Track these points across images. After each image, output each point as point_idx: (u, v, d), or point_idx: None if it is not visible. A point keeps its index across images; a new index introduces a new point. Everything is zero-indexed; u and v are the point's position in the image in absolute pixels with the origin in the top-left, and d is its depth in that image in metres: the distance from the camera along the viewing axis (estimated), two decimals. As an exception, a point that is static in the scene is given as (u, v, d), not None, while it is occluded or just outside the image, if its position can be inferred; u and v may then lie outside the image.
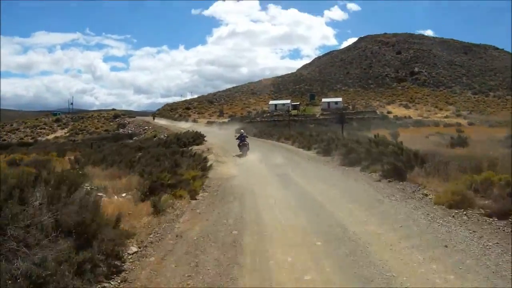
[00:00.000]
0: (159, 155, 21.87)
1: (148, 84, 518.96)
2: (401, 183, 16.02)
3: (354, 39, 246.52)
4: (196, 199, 14.97)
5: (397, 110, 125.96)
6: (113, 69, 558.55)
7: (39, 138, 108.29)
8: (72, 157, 37.04)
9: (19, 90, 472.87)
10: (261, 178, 19.84)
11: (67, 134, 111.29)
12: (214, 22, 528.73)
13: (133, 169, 18.53)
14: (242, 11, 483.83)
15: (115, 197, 14.72)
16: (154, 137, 64.40)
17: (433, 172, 15.49)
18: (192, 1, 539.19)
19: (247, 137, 33.34)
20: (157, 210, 12.16)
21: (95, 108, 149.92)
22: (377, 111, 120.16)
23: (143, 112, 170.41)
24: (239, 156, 30.60)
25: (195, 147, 41.14)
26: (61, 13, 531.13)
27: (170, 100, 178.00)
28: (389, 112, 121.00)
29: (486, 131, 53.32)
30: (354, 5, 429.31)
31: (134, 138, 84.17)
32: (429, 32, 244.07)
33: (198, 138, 47.84)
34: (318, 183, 17.36)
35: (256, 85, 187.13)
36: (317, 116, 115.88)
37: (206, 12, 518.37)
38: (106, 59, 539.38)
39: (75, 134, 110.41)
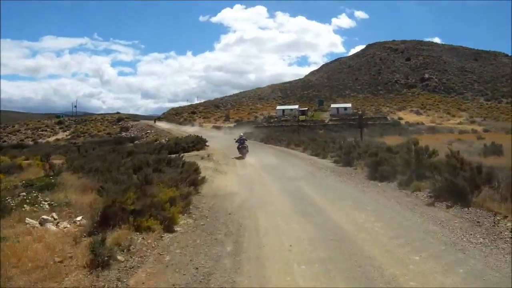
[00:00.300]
0: (141, 164, 16.92)
1: (156, 89, 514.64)
2: (466, 209, 11.10)
3: (362, 47, 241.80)
4: (173, 231, 10.15)
5: (408, 116, 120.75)
6: (121, 73, 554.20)
7: (40, 140, 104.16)
8: (57, 162, 33.31)
9: (27, 93, 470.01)
10: (269, 197, 14.88)
11: (69, 137, 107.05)
12: (222, 29, 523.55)
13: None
14: (250, 18, 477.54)
15: (64, 224, 10.59)
16: (155, 141, 61.27)
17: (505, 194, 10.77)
18: (200, 8, 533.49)
19: (246, 140, 33.60)
20: (99, 260, 7.22)
21: (102, 112, 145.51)
22: (388, 117, 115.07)
23: (150, 116, 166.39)
24: (239, 158, 30.53)
25: (194, 153, 36.62)
26: (70, 18, 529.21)
27: (177, 105, 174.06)
28: (400, 118, 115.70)
29: (505, 138, 48.61)
30: (362, 13, 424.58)
31: (136, 141, 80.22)
32: (436, 40, 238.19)
33: (199, 142, 42.94)
34: (349, 208, 12.42)
35: (263, 90, 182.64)
36: (326, 121, 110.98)
37: (214, 19, 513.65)
38: (114, 64, 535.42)
39: (77, 136, 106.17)
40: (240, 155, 31.42)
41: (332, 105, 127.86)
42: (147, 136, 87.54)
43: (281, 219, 11.24)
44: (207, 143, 44.60)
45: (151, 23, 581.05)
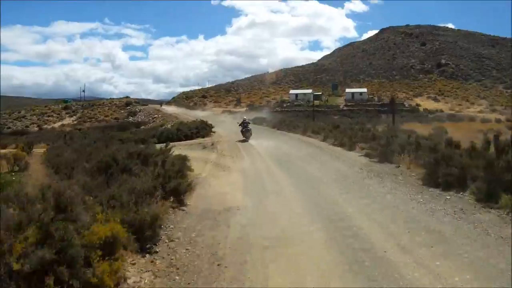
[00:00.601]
0: (108, 160, 11.71)
1: (167, 73, 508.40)
2: None
3: (375, 31, 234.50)
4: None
5: (426, 103, 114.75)
6: (132, 58, 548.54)
7: (45, 126, 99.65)
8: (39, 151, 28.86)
9: (38, 79, 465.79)
10: (287, 220, 9.50)
11: (75, 122, 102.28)
12: (234, 13, 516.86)
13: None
14: (261, 1, 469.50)
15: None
16: (161, 126, 56.86)
17: None
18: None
19: (249, 123, 33.49)
20: None
21: (114, 97, 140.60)
22: (405, 104, 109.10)
23: (162, 100, 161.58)
24: (243, 141, 30.15)
25: (198, 141, 31.68)
26: (80, 3, 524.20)
27: (189, 89, 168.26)
28: (418, 105, 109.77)
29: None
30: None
31: (142, 127, 76.46)
32: (450, 26, 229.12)
33: (204, 128, 37.80)
34: (434, 258, 6.77)
35: (276, 74, 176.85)
36: (341, 107, 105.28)
37: (226, 3, 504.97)
38: (125, 48, 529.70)
39: (83, 122, 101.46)
40: (244, 138, 31.25)
41: (347, 90, 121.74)
42: (154, 121, 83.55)
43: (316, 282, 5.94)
44: (213, 129, 39.62)
45: (162, 6, 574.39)
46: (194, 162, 17.27)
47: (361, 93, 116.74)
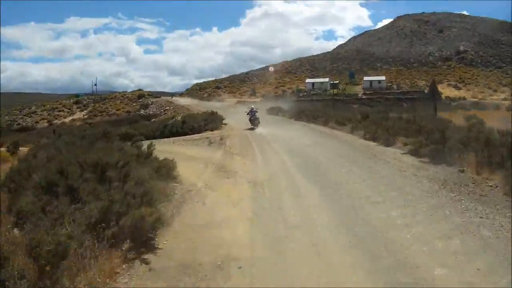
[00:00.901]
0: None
1: (182, 65, 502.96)
2: None
3: (389, 20, 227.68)
4: None
5: (447, 91, 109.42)
6: (147, 51, 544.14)
7: (55, 121, 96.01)
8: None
9: (53, 75, 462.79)
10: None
11: (85, 117, 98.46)
12: (247, 4, 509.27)
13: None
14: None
15: None
16: (172, 118, 52.87)
17: None
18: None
19: (257, 112, 33.68)
20: None
21: (129, 90, 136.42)
22: (426, 91, 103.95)
23: (177, 93, 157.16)
24: (251, 129, 30.26)
25: (206, 135, 27.40)
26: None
27: (202, 81, 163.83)
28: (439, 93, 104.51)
29: None
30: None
31: (152, 119, 72.74)
32: (465, 13, 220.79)
33: (213, 121, 33.47)
34: None
35: (291, 63, 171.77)
36: (359, 95, 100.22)
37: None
38: (139, 42, 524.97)
39: (94, 116, 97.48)
40: (252, 126, 31.72)
41: (365, 78, 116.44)
42: (165, 114, 79.70)
43: None
44: (224, 121, 35.30)
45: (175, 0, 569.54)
46: (192, 165, 13.54)
47: (379, 81, 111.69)
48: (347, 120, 26.48)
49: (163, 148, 17.55)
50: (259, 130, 29.75)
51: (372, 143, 18.84)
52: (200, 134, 28.10)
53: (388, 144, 17.74)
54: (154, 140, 25.58)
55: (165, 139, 26.69)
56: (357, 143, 19.77)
